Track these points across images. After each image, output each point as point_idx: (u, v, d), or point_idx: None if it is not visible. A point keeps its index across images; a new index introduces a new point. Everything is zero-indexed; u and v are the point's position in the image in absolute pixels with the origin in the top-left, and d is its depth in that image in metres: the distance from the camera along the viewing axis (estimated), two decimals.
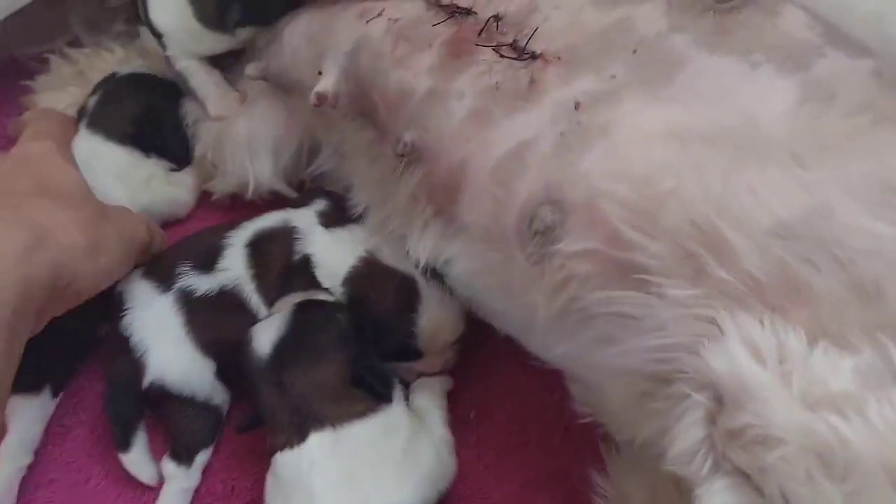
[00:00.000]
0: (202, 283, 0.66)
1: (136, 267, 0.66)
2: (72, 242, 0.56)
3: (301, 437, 0.57)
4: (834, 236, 0.42)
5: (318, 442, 0.57)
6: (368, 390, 0.59)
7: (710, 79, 0.48)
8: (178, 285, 0.66)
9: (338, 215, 0.68)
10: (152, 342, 0.64)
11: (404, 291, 0.64)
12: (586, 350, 0.51)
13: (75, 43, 0.84)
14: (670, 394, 0.45)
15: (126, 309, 0.66)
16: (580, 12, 0.53)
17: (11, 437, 0.62)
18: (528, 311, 0.52)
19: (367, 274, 0.65)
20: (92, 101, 0.77)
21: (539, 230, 0.49)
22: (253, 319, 0.66)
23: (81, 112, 0.77)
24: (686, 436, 0.42)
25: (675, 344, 0.45)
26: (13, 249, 0.52)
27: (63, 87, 0.82)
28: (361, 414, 0.58)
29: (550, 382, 0.66)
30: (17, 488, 0.64)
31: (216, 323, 0.65)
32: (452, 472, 0.62)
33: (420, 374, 0.68)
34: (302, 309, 0.61)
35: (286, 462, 0.57)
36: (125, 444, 0.64)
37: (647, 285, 0.46)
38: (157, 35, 0.73)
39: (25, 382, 0.61)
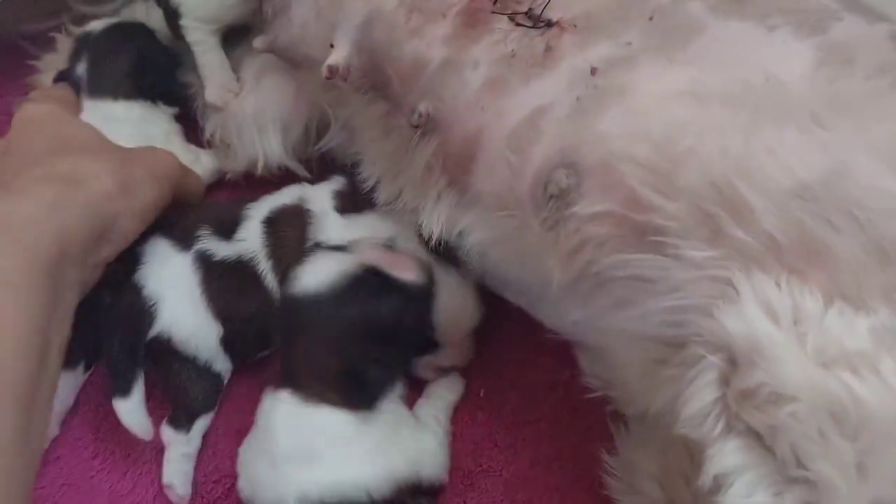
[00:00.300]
0: (221, 249, 0.66)
1: (174, 204, 0.66)
2: (102, 187, 0.57)
3: (280, 385, 0.58)
4: (853, 197, 0.42)
5: (288, 399, 0.58)
6: (348, 392, 0.58)
7: (728, 44, 0.48)
8: (197, 246, 0.66)
9: (355, 198, 0.67)
10: (166, 294, 0.64)
11: None
12: (601, 315, 0.51)
13: (78, 20, 0.83)
14: (684, 358, 0.45)
15: (142, 263, 0.65)
16: None
17: None
18: (543, 278, 0.52)
19: None
20: (80, 69, 0.75)
21: (554, 194, 0.49)
22: (266, 295, 0.66)
23: (67, 80, 0.75)
24: (699, 397, 0.42)
25: (690, 306, 0.45)
26: (43, 201, 0.52)
27: None
28: (333, 403, 0.58)
29: (560, 361, 0.66)
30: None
31: (230, 289, 0.65)
32: (442, 464, 0.62)
33: (440, 370, 0.67)
34: (362, 280, 0.59)
35: (266, 398, 0.59)
36: (126, 390, 0.62)
37: (664, 247, 0.45)
38: (171, 9, 0.72)
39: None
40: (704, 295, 0.44)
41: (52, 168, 0.56)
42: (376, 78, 0.60)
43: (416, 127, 0.57)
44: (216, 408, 0.67)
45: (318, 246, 0.65)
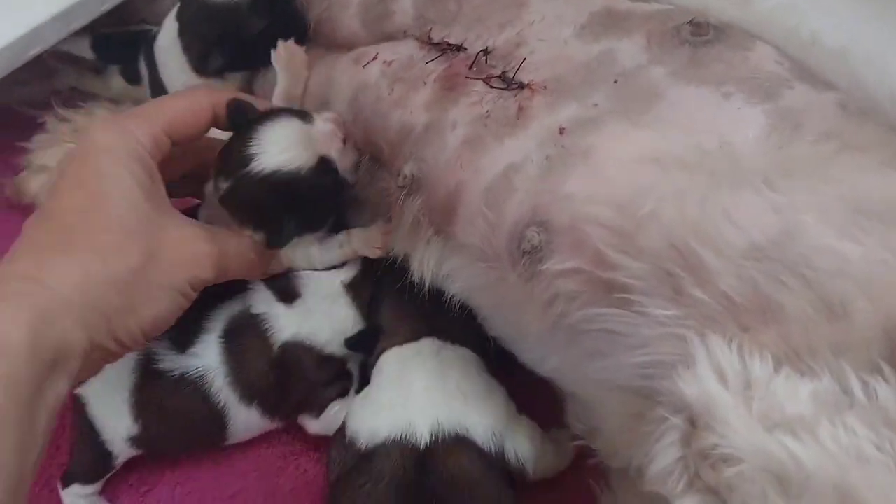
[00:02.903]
0: (169, 360, 0.66)
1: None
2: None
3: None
4: (804, 256, 0.45)
5: None
6: None
7: (686, 108, 0.51)
8: (146, 349, 0.65)
9: (290, 283, 0.67)
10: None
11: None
12: (577, 364, 0.53)
13: (67, 99, 0.85)
14: (657, 415, 0.47)
15: None
16: (565, 45, 0.56)
17: None
18: (521, 327, 0.55)
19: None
20: None
21: (527, 251, 0.52)
22: (213, 410, 0.66)
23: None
24: (663, 456, 0.44)
25: (657, 361, 0.48)
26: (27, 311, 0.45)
27: (59, 144, 0.82)
28: None
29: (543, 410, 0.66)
30: None
31: (163, 400, 0.65)
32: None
33: None
34: None
35: None
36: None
37: (630, 304, 0.48)
38: None
39: None
40: (669, 352, 0.47)
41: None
42: (369, 148, 0.64)
43: (403, 188, 0.60)
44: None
45: (287, 347, 0.65)
